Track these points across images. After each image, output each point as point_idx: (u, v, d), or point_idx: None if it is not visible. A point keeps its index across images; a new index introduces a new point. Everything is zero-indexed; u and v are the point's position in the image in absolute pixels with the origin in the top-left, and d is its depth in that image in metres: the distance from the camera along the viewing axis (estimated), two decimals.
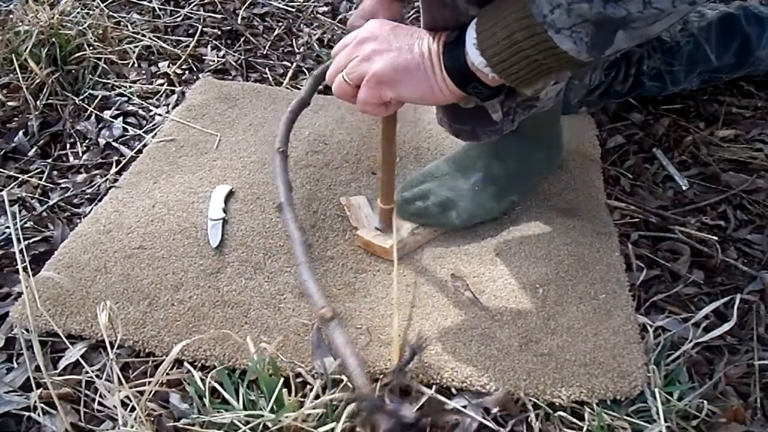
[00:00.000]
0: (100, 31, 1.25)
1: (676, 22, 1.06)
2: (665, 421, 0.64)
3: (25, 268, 0.79)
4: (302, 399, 0.65)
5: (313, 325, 0.74)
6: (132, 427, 0.63)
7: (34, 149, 1.05)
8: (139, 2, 1.41)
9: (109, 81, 1.18)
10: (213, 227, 0.87)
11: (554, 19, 0.56)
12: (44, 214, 0.93)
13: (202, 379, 0.68)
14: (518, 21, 0.58)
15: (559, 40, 0.57)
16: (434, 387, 0.70)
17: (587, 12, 0.55)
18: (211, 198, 0.91)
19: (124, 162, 1.02)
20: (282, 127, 0.84)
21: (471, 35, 0.62)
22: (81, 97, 1.14)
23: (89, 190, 0.97)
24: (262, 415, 0.63)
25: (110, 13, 1.34)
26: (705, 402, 0.66)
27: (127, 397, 0.64)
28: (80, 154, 1.05)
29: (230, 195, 0.93)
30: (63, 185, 0.99)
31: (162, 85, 1.19)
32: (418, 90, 0.67)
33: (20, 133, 1.06)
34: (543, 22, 0.57)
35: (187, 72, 1.23)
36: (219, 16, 1.38)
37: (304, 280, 0.70)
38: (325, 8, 1.42)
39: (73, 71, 1.17)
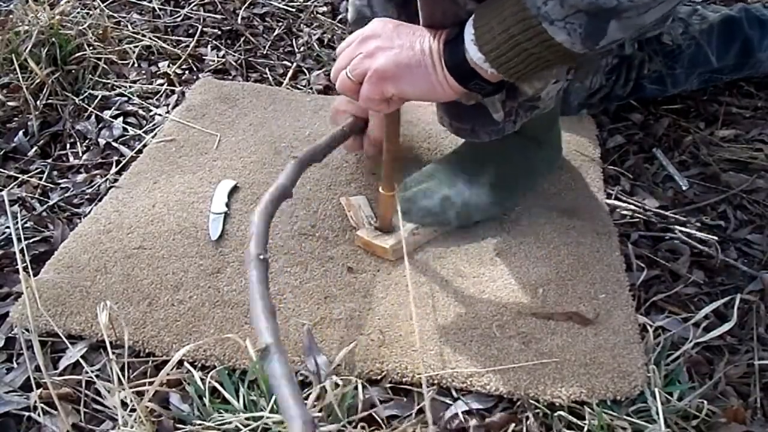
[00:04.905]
0: (100, 31, 1.25)
1: (677, 26, 1.07)
2: (665, 421, 0.64)
3: (25, 268, 0.79)
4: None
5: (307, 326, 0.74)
6: (132, 427, 0.63)
7: (34, 149, 1.05)
8: (139, 2, 1.41)
9: (109, 81, 1.18)
10: (214, 220, 0.87)
11: (548, 11, 0.57)
12: (44, 214, 0.93)
13: (202, 379, 0.68)
14: (514, 15, 0.59)
15: (553, 31, 0.58)
16: (434, 387, 0.70)
17: (579, 2, 0.55)
18: (215, 191, 0.91)
19: (124, 162, 1.02)
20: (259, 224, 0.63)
21: (469, 31, 0.63)
22: (81, 97, 1.14)
23: (89, 190, 0.97)
24: (263, 416, 0.63)
25: (110, 13, 1.34)
26: (705, 402, 0.66)
27: (128, 397, 0.64)
28: (80, 154, 1.05)
29: (234, 190, 0.93)
30: (63, 185, 0.99)
31: (162, 85, 1.19)
32: (419, 86, 0.67)
33: (20, 133, 1.06)
34: (537, 15, 0.57)
35: (187, 72, 1.23)
36: (219, 16, 1.38)
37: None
38: (325, 8, 1.42)
39: (73, 71, 1.17)
